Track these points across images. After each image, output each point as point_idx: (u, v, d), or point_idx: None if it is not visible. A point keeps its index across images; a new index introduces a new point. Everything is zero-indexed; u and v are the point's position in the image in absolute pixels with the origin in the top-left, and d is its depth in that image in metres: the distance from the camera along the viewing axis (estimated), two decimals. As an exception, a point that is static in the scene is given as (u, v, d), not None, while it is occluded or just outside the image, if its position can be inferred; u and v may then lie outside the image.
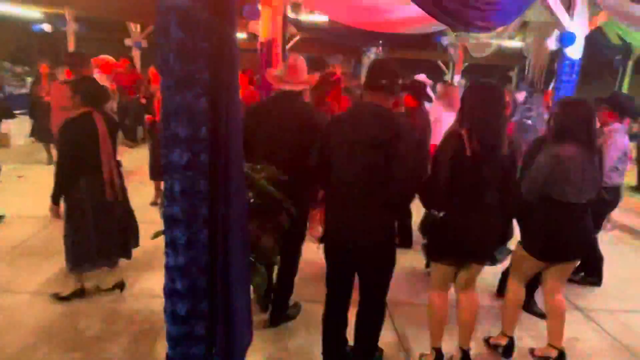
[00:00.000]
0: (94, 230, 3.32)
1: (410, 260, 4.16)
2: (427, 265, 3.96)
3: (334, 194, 2.51)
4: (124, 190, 3.49)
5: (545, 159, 2.70)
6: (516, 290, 3.01)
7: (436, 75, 11.99)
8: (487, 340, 3.17)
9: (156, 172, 5.48)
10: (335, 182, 2.46)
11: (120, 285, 3.56)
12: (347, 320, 2.70)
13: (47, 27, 10.97)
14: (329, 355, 2.72)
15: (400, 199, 2.37)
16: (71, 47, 9.76)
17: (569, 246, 2.81)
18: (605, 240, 5.53)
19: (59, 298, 3.38)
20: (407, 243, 4.46)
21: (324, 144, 2.50)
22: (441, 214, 2.57)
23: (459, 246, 2.61)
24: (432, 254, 2.74)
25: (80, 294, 3.43)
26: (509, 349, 3.03)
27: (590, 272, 4.22)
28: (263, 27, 7.04)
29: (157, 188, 5.74)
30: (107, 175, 3.29)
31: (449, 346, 2.91)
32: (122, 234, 3.54)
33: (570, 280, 3.83)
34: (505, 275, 3.69)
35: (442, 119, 5.41)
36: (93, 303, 3.38)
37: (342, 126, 2.45)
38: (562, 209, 2.72)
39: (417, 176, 2.43)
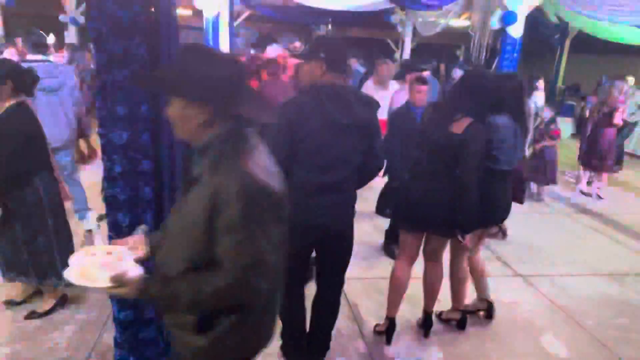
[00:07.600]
0: (55, 237, 2.86)
1: (363, 235, 4.25)
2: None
3: (301, 181, 2.22)
4: None
5: (485, 127, 2.80)
6: (460, 265, 3.08)
7: (386, 53, 12.06)
8: (439, 316, 3.21)
9: None
10: (306, 169, 2.22)
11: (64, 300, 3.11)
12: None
13: (-30, 2, 10.09)
14: (293, 347, 2.61)
15: (372, 175, 2.44)
16: (0, 23, 9.04)
17: (500, 211, 3.01)
18: (545, 211, 5.89)
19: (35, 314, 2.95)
20: None
21: (291, 132, 2.18)
22: (397, 183, 2.73)
23: (412, 213, 2.75)
24: (396, 220, 2.88)
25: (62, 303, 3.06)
26: (462, 322, 3.13)
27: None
28: (209, 2, 6.82)
29: None
30: (56, 171, 2.90)
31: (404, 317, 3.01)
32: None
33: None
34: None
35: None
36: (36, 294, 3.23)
37: (311, 110, 2.17)
38: (495, 177, 2.84)
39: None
